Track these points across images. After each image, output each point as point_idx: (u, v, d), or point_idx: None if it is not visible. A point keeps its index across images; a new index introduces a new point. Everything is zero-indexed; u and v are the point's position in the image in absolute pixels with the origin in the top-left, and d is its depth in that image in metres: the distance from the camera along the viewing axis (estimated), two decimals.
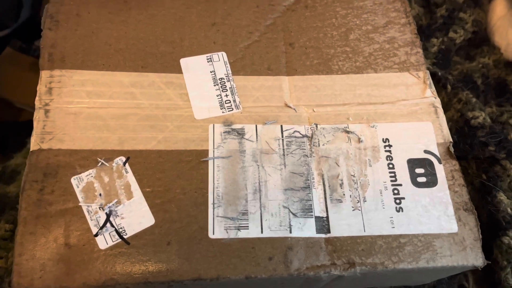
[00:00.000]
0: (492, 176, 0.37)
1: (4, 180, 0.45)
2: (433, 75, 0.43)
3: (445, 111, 0.41)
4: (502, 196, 0.36)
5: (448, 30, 0.49)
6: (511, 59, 0.48)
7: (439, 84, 0.43)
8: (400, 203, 0.30)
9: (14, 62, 0.64)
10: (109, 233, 0.27)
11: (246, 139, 0.31)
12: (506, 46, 0.48)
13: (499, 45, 0.49)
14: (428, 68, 0.44)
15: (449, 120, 0.40)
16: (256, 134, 0.31)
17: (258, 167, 0.30)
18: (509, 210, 0.36)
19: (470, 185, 0.39)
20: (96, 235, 0.27)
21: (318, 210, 0.29)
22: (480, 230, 0.29)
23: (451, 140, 0.32)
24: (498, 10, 0.50)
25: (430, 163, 0.31)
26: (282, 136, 0.32)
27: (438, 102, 0.34)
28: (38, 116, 0.30)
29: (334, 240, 0.29)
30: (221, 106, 0.32)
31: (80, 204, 0.28)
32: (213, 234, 0.28)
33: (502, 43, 0.49)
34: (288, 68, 0.34)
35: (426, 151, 0.32)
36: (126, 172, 0.29)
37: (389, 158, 0.31)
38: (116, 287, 0.26)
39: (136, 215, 0.28)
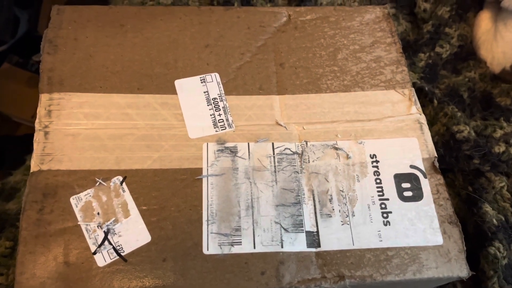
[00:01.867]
0: (478, 188, 0.39)
1: (3, 197, 0.46)
2: (421, 90, 0.45)
3: (432, 125, 0.43)
4: (487, 208, 0.37)
5: (435, 45, 0.50)
6: (497, 72, 0.49)
7: (426, 98, 0.45)
8: (387, 217, 0.31)
9: (12, 77, 0.65)
10: (107, 251, 0.29)
11: (239, 157, 0.32)
12: (491, 60, 0.50)
13: (485, 58, 0.51)
14: (415, 83, 0.46)
15: (435, 134, 0.42)
16: (249, 152, 0.33)
17: (251, 184, 0.32)
18: (494, 221, 0.37)
19: (457, 196, 0.41)
20: (95, 253, 0.28)
21: (309, 225, 0.31)
22: (464, 242, 0.30)
23: (436, 155, 0.33)
24: (483, 25, 0.51)
25: (416, 178, 0.33)
26: (274, 154, 0.33)
27: (423, 118, 0.35)
28: (38, 138, 0.31)
29: (324, 254, 0.30)
30: (215, 125, 0.34)
31: (78, 223, 0.29)
32: (207, 250, 0.29)
33: (488, 57, 0.50)
34: (279, 87, 0.35)
35: (412, 166, 0.33)
36: (123, 191, 0.30)
37: (377, 173, 0.33)
38: None
39: (133, 233, 0.29)
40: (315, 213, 0.31)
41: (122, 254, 0.29)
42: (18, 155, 0.50)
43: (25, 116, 0.63)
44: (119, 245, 0.29)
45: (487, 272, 0.36)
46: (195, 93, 0.34)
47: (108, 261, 0.28)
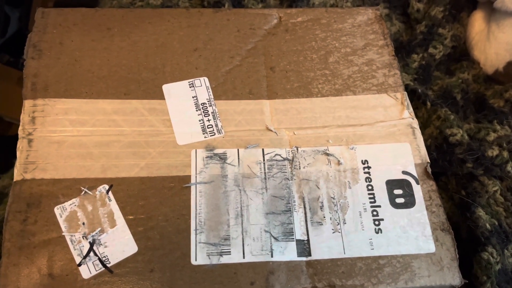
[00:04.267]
0: (471, 192, 0.38)
1: None
2: (414, 92, 0.44)
3: (425, 128, 0.42)
4: (480, 212, 0.37)
5: (428, 46, 0.50)
6: (490, 73, 0.49)
7: (419, 100, 0.44)
8: (379, 224, 0.31)
9: (2, 76, 0.64)
10: (93, 262, 0.28)
11: (228, 164, 0.32)
12: (484, 60, 0.50)
13: (478, 59, 0.50)
14: (409, 84, 0.45)
15: (428, 137, 0.41)
16: (238, 158, 0.32)
17: (240, 192, 0.31)
18: (487, 225, 0.37)
19: (450, 200, 0.40)
20: (80, 264, 0.28)
21: (299, 233, 0.30)
22: (456, 250, 0.30)
23: (428, 160, 0.33)
24: (476, 25, 0.51)
25: (408, 184, 0.32)
26: (264, 160, 0.32)
27: (415, 123, 0.34)
28: (21, 146, 0.31)
29: (315, 263, 0.29)
30: (204, 131, 0.33)
31: (63, 233, 0.28)
32: (196, 260, 0.29)
33: (481, 57, 0.50)
34: (269, 91, 0.35)
35: (404, 172, 0.33)
36: (109, 200, 0.30)
37: (368, 179, 0.32)
38: None
39: (119, 243, 0.28)
40: (306, 221, 0.30)
41: (108, 265, 0.28)
42: (8, 156, 0.49)
43: (16, 115, 0.62)
44: (104, 256, 0.28)
45: (480, 278, 0.36)
46: (183, 98, 0.34)
47: (94, 273, 0.28)
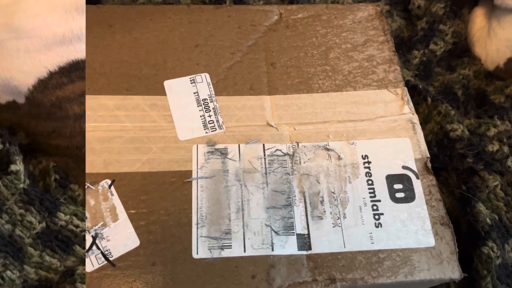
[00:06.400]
0: (471, 187, 0.38)
1: None
2: (414, 88, 0.45)
3: (426, 123, 0.42)
4: (481, 207, 0.37)
5: (429, 42, 0.50)
6: (491, 70, 0.49)
7: (420, 96, 0.44)
8: (379, 218, 0.31)
9: None
10: (95, 256, 0.28)
11: (229, 159, 0.32)
12: (485, 57, 0.50)
13: (479, 55, 0.50)
14: (409, 80, 0.45)
15: (429, 132, 0.41)
16: (239, 154, 0.32)
17: (241, 186, 0.31)
18: (487, 220, 0.37)
19: (451, 195, 0.41)
20: None
21: (300, 227, 0.30)
22: (456, 244, 0.30)
23: (428, 155, 0.33)
24: (477, 21, 0.51)
25: (408, 179, 0.32)
26: (264, 155, 0.33)
27: (415, 118, 0.35)
28: None
29: (315, 257, 0.29)
30: (205, 126, 0.33)
31: None
32: (197, 254, 0.29)
33: (482, 54, 0.50)
34: (269, 87, 0.35)
35: (404, 167, 0.33)
36: (112, 194, 0.30)
37: (368, 174, 0.32)
38: None
39: (122, 237, 0.29)
40: (306, 215, 0.31)
41: (111, 259, 0.28)
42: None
43: None
44: (107, 250, 0.28)
45: (481, 272, 0.36)
46: (184, 94, 0.34)
47: (96, 266, 0.28)
